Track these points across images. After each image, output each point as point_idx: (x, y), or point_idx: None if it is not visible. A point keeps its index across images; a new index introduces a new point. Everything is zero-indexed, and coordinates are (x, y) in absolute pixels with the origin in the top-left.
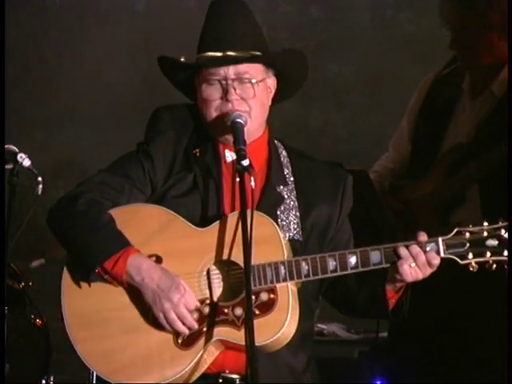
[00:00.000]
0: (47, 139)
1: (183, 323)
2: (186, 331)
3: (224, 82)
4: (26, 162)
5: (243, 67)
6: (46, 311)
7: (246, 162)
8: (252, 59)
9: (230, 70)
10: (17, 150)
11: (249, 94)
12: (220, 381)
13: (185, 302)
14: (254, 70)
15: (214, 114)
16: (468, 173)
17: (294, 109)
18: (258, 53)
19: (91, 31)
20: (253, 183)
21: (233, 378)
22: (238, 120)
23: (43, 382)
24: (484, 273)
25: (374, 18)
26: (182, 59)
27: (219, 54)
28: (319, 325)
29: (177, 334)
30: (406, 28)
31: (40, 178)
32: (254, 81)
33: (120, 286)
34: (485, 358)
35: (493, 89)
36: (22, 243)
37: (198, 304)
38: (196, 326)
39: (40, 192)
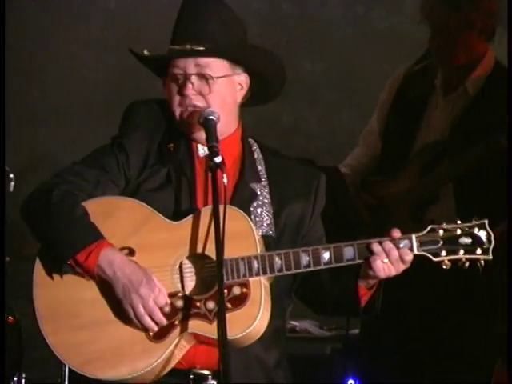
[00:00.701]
0: (19, 136)
1: (152, 319)
2: (155, 327)
3: (181, 77)
4: None
5: (203, 61)
6: (18, 308)
7: (218, 159)
8: (203, 52)
9: (189, 64)
10: None
11: (206, 89)
12: (191, 377)
13: (154, 297)
14: (216, 66)
15: (177, 109)
16: (442, 171)
17: (267, 106)
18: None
19: (81, 28)
20: (225, 180)
21: (204, 374)
22: (211, 117)
23: (15, 379)
24: (456, 270)
25: (346, 15)
26: (145, 52)
27: (178, 47)
28: (292, 322)
29: None
30: (377, 25)
31: (12, 175)
32: (212, 75)
33: (91, 279)
34: (457, 355)
35: (466, 86)
36: None
37: (169, 301)
38: (165, 322)
39: (12, 189)
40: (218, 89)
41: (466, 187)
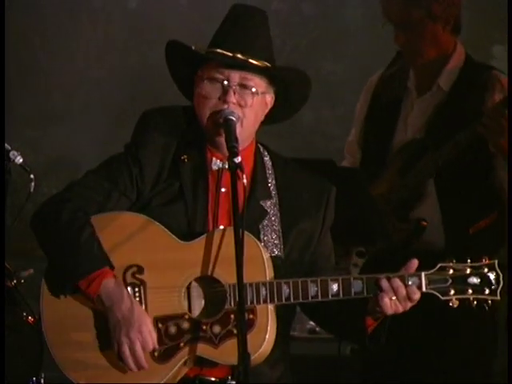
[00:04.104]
0: (39, 137)
1: (135, 361)
2: (135, 370)
3: (226, 83)
4: (19, 160)
5: (249, 74)
6: (38, 308)
7: (237, 159)
8: (261, 70)
9: (236, 73)
10: (9, 148)
11: (246, 101)
12: (196, 382)
13: (142, 342)
14: (258, 81)
15: (207, 112)
16: (422, 169)
17: None
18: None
19: (83, 29)
20: (245, 180)
21: (210, 381)
22: (231, 117)
23: (34, 379)
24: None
25: (366, 15)
26: (193, 47)
27: (229, 53)
28: (312, 322)
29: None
30: None
31: (32, 176)
32: (254, 90)
33: None
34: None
35: (439, 83)
36: (14, 240)
37: (157, 347)
38: (146, 367)
39: (32, 189)
40: (255, 103)
41: (447, 183)
